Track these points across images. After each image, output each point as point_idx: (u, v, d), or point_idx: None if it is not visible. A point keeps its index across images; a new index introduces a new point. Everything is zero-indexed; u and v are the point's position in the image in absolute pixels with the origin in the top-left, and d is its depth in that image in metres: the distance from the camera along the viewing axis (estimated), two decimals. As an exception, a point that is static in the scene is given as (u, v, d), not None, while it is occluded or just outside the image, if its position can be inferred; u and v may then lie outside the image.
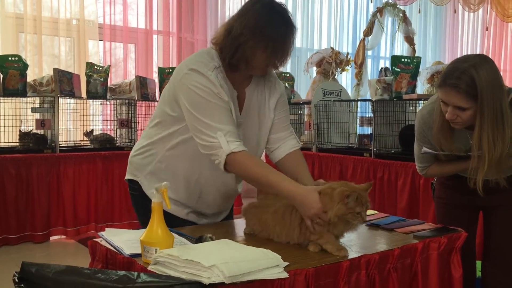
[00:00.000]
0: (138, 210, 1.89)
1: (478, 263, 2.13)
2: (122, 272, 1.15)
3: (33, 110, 4.48)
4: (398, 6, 5.88)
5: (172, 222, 1.78)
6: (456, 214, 2.00)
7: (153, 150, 1.81)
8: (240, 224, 1.73)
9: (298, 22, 6.91)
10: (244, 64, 1.67)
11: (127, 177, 1.90)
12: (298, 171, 1.78)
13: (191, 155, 1.70)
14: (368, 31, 5.68)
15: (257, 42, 1.61)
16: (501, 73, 1.80)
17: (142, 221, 1.84)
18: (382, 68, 5.55)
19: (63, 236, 4.42)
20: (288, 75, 5.52)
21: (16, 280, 1.17)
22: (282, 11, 1.66)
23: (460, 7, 8.30)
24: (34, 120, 4.45)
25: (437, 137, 1.84)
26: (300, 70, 6.72)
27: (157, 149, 1.79)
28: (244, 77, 1.77)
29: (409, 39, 5.64)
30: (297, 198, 1.47)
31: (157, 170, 1.81)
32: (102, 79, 4.64)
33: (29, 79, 4.41)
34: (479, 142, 1.67)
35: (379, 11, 5.70)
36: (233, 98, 1.71)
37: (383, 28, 5.83)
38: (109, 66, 4.86)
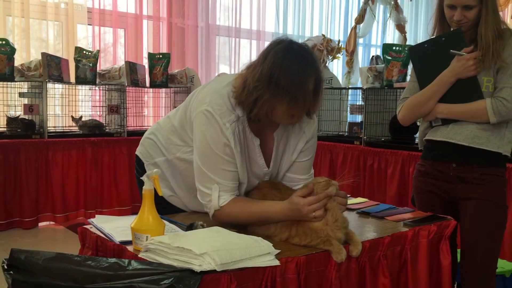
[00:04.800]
0: (140, 187, 1.87)
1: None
2: (113, 260, 1.15)
3: (21, 95, 4.42)
4: (390, -6, 5.85)
5: (170, 210, 1.77)
6: (433, 201, 2.00)
7: (163, 148, 1.79)
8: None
9: (290, 9, 6.87)
10: (265, 118, 1.51)
11: (137, 152, 1.88)
12: None
13: None
14: (360, 19, 5.64)
15: (273, 95, 1.43)
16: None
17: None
18: (373, 56, 5.53)
19: (51, 222, 4.40)
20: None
21: (5, 267, 1.16)
22: (300, 52, 1.45)
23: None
24: (22, 105, 4.39)
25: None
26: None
27: (169, 150, 1.76)
28: (270, 122, 1.58)
29: (401, 27, 5.61)
30: (287, 213, 1.43)
31: (163, 167, 1.79)
32: (91, 64, 4.59)
33: (17, 63, 4.34)
34: (485, 33, 1.87)
35: (371, -2, 5.67)
36: (253, 148, 1.60)
37: (374, 16, 5.80)
38: (98, 51, 4.80)
